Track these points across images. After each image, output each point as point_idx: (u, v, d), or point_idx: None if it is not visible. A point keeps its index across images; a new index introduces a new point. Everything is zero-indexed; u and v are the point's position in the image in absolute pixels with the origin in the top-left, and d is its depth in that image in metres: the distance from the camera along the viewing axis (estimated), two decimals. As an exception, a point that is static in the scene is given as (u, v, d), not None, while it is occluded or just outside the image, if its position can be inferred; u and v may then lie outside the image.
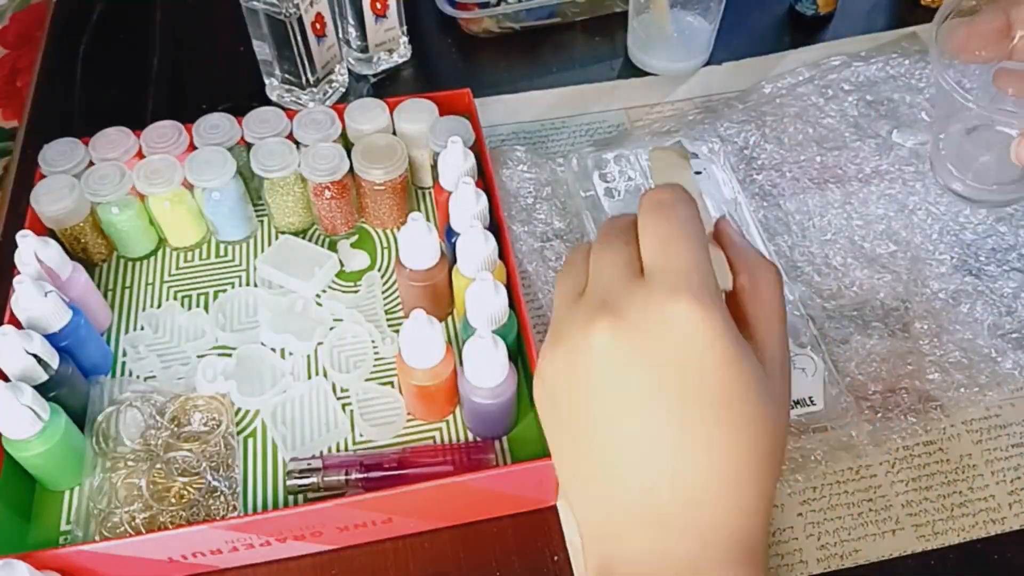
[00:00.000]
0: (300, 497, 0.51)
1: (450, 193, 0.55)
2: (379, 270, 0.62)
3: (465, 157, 0.56)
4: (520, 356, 0.54)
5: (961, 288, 0.58)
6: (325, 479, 0.49)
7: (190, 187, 0.60)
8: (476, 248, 0.51)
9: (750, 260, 0.37)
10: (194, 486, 0.50)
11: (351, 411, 0.54)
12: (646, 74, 0.75)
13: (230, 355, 0.56)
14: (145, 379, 0.56)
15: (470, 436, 0.53)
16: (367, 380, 0.55)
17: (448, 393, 0.52)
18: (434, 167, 0.62)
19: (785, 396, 0.34)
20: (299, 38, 0.65)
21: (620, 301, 0.33)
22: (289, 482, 0.49)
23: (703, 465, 0.31)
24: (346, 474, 0.49)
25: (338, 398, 0.55)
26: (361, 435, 0.53)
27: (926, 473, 0.51)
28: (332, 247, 0.63)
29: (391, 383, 0.55)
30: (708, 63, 0.75)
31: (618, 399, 0.32)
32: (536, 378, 0.36)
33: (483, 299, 0.48)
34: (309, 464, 0.50)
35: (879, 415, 0.53)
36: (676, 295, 0.31)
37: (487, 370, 0.48)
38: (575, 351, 0.33)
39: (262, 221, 0.64)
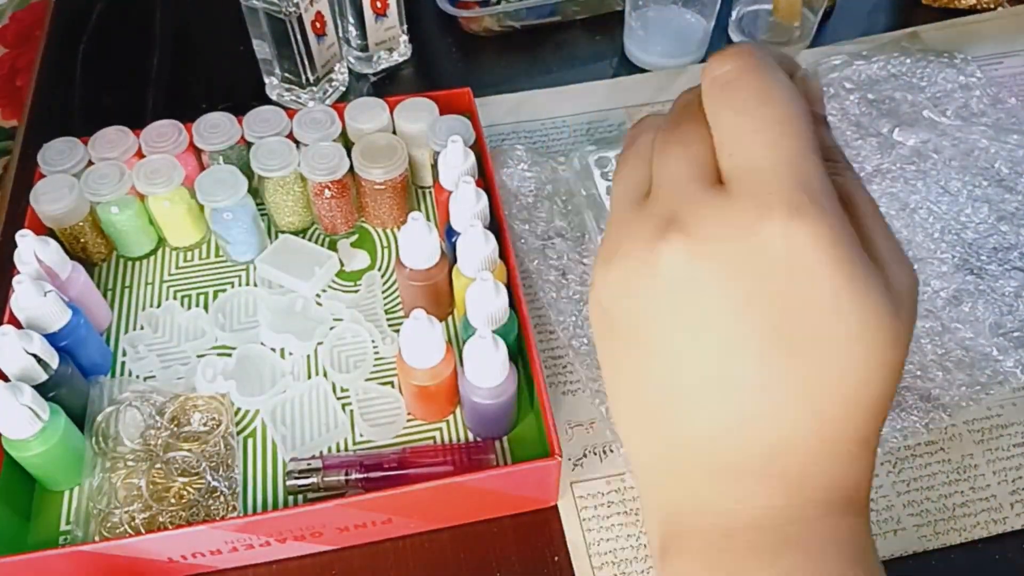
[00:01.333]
0: (300, 497, 0.51)
1: (450, 193, 0.55)
2: (379, 270, 0.61)
3: (465, 157, 0.56)
4: (520, 356, 0.54)
5: (963, 287, 0.58)
6: (325, 479, 0.49)
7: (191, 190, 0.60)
8: (476, 248, 0.51)
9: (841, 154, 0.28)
10: (194, 486, 0.50)
11: (351, 411, 0.54)
12: (647, 71, 0.75)
13: (230, 355, 0.56)
14: (145, 379, 0.56)
15: (470, 436, 0.53)
16: (367, 380, 0.55)
17: (448, 393, 0.52)
18: (434, 166, 0.62)
19: (908, 334, 0.26)
20: (299, 37, 0.65)
21: (694, 215, 0.25)
22: (289, 482, 0.49)
23: (793, 410, 0.25)
24: (346, 474, 0.49)
25: (338, 398, 0.55)
26: (361, 435, 0.53)
27: (927, 473, 0.51)
28: (332, 247, 0.63)
29: (391, 383, 0.55)
30: (704, 60, 0.75)
31: (689, 331, 0.26)
32: (592, 297, 0.30)
33: (483, 299, 0.48)
34: (309, 464, 0.50)
35: None
36: (767, 210, 0.24)
37: (487, 370, 0.48)
38: (637, 272, 0.27)
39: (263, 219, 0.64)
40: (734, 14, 0.77)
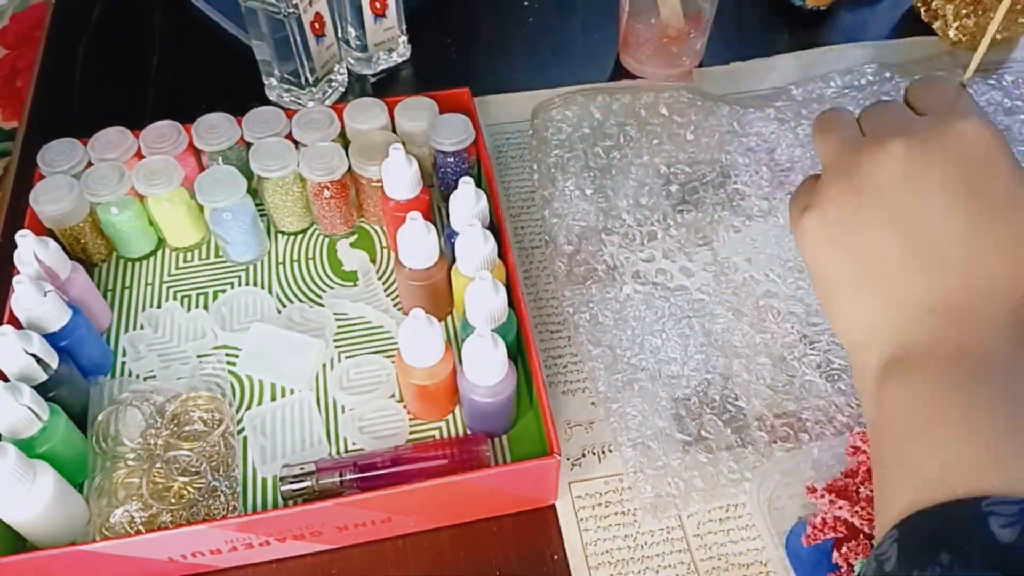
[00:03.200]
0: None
1: (396, 202, 0.55)
2: (378, 270, 0.62)
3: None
4: (520, 355, 0.54)
5: None
6: (320, 482, 0.49)
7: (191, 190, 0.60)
8: (476, 247, 0.51)
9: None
10: (194, 486, 0.50)
11: (351, 426, 0.54)
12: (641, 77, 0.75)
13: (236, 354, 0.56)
14: (145, 379, 0.56)
15: (504, 437, 0.53)
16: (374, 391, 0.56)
17: (448, 392, 0.52)
18: (434, 165, 0.63)
19: None
20: (298, 38, 0.65)
21: (909, 128, 0.37)
22: (283, 488, 0.49)
23: (994, 257, 0.35)
24: (340, 475, 0.49)
25: (333, 409, 0.55)
26: (361, 448, 0.53)
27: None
28: (332, 247, 0.63)
29: (393, 395, 0.55)
30: (701, 64, 0.75)
31: (913, 197, 0.36)
32: (815, 213, 0.39)
33: (482, 298, 0.48)
34: (302, 468, 0.50)
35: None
36: (966, 116, 0.36)
37: (487, 369, 0.48)
38: (867, 168, 0.37)
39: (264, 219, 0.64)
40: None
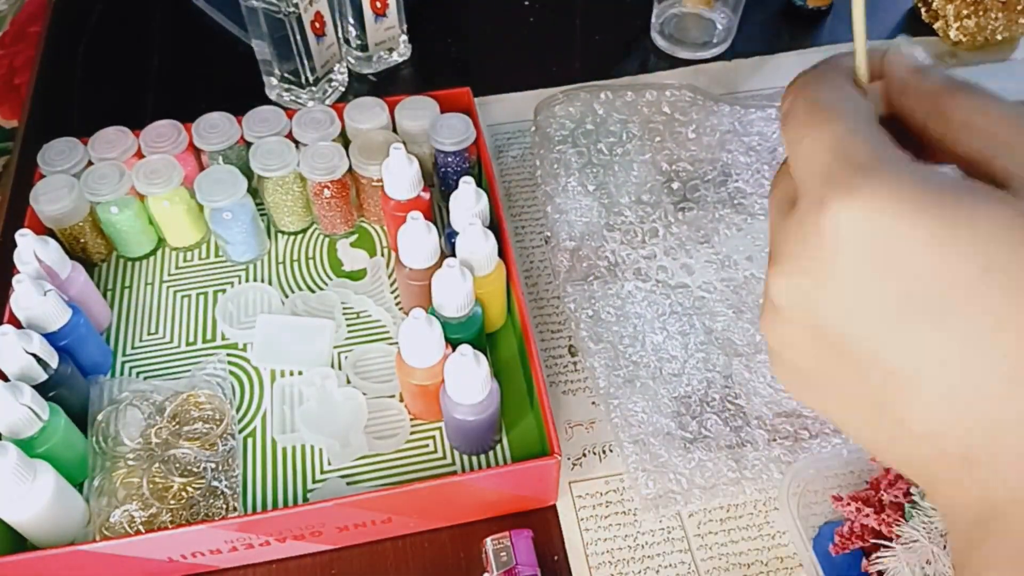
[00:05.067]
0: (300, 496, 0.51)
1: (397, 202, 0.55)
2: (378, 269, 0.62)
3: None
4: (520, 355, 0.54)
5: None
6: None
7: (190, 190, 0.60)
8: (476, 246, 0.51)
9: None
10: (194, 486, 0.50)
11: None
12: (650, 71, 0.75)
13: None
14: (145, 378, 0.56)
15: (504, 436, 0.53)
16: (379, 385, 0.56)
17: None
18: (435, 164, 0.62)
19: None
20: (298, 37, 0.65)
21: (781, 246, 0.26)
22: None
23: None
24: None
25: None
26: (368, 448, 0.53)
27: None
28: (332, 246, 0.63)
29: (394, 395, 0.55)
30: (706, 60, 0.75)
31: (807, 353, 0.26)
32: (771, 355, 0.29)
33: (449, 286, 0.49)
34: None
35: None
36: (823, 205, 0.23)
37: (469, 386, 0.47)
38: (768, 310, 0.27)
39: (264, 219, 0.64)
40: (654, 18, 0.77)
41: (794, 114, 0.26)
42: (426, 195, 0.57)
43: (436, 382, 0.50)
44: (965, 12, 0.73)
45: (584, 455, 0.53)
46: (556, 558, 0.49)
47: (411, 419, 0.54)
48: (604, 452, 0.53)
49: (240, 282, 0.61)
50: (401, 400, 0.55)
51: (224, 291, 0.60)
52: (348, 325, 0.58)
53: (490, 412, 0.49)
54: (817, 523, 0.49)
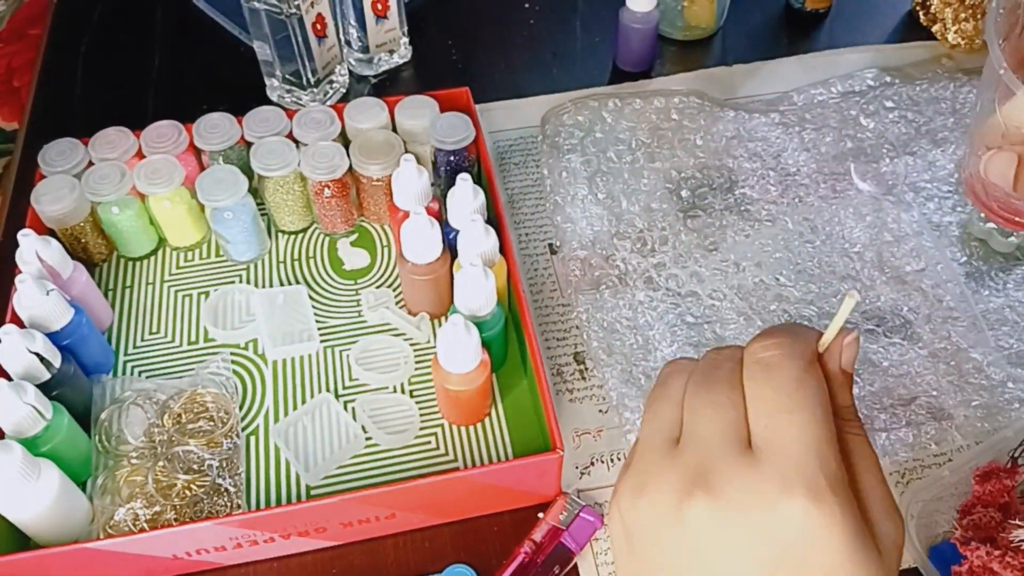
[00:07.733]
0: (303, 493, 0.51)
1: (405, 214, 0.55)
2: (379, 268, 0.62)
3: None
4: (521, 352, 0.55)
5: (987, 310, 0.58)
6: None
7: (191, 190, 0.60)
8: (477, 242, 0.52)
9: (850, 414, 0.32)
10: (198, 484, 0.50)
11: (362, 424, 0.54)
12: (645, 77, 0.75)
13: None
14: (147, 378, 0.56)
15: (482, 431, 0.53)
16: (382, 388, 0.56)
17: (481, 398, 0.52)
18: (435, 163, 0.63)
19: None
20: (300, 38, 0.66)
21: (721, 476, 0.29)
22: None
23: None
24: None
25: (346, 404, 0.55)
26: (376, 443, 0.53)
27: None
28: (332, 245, 0.63)
29: (399, 389, 0.56)
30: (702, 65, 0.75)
31: None
32: (614, 512, 0.32)
33: (473, 286, 0.49)
34: None
35: (892, 427, 0.53)
36: (789, 488, 0.27)
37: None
38: (663, 516, 0.30)
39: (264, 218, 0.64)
40: None
41: (783, 380, 0.30)
42: (435, 206, 0.57)
43: (470, 388, 0.50)
44: (963, 15, 0.73)
45: (592, 463, 0.53)
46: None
47: (420, 415, 0.54)
48: (612, 460, 0.53)
49: (240, 281, 0.61)
50: (403, 392, 0.55)
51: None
52: (348, 324, 0.58)
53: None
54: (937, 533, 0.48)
